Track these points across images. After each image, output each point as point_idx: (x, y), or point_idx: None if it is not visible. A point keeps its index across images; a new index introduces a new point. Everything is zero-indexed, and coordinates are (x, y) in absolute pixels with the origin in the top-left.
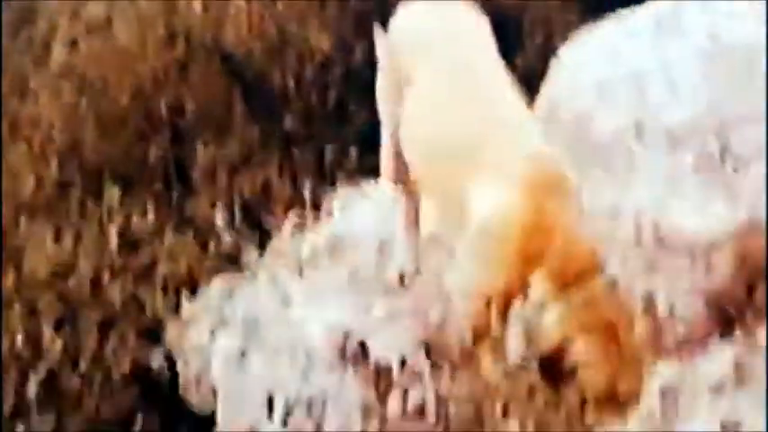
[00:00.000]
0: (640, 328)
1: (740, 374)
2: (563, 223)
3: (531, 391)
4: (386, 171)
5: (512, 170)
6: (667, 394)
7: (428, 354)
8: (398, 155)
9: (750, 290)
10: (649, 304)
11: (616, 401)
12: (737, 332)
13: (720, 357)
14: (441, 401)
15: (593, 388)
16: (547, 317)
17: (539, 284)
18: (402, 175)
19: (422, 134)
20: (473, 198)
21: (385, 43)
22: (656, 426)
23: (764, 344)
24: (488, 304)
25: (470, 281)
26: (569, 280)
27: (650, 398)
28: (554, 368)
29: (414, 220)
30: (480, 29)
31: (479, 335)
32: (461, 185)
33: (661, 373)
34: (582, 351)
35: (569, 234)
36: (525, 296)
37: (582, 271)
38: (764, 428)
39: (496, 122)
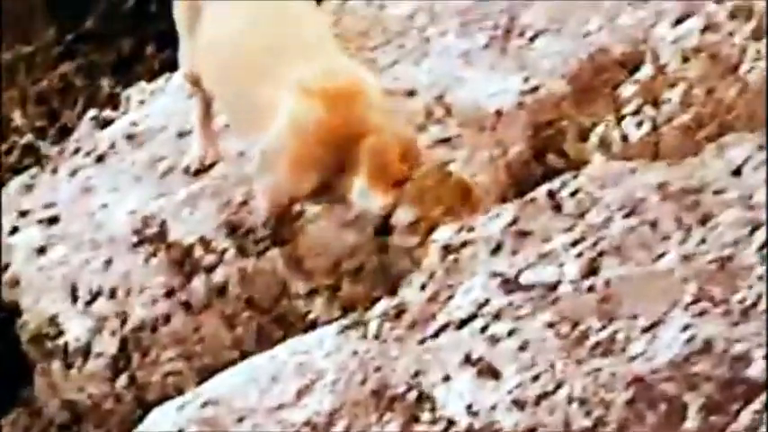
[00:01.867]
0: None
1: (519, 233)
2: (372, 127)
3: (336, 266)
4: (185, 67)
5: (310, 84)
6: (447, 253)
7: (231, 234)
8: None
9: (539, 156)
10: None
11: None
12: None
13: (500, 217)
14: (245, 280)
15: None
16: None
17: (361, 185)
18: (198, 76)
19: (220, 52)
20: (273, 109)
21: None
22: (439, 284)
23: (546, 201)
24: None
25: (269, 182)
26: (395, 176)
27: (431, 257)
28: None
29: (207, 113)
30: None
31: (281, 218)
32: (262, 100)
33: (441, 233)
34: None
35: (382, 135)
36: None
37: (404, 164)
38: (538, 280)
39: (295, 39)
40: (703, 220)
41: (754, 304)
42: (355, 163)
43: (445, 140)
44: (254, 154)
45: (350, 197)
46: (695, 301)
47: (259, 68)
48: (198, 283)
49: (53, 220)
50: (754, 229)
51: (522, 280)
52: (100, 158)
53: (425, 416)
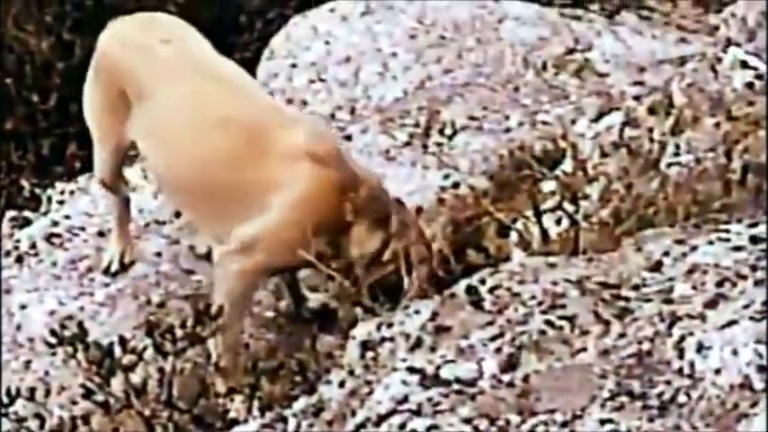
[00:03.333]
0: None
1: (438, 329)
2: (362, 177)
3: (255, 364)
4: (99, 173)
5: (318, 149)
6: (366, 350)
7: (150, 333)
8: (112, 158)
9: (459, 253)
10: None
11: None
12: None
13: (419, 313)
14: (164, 380)
15: None
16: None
17: (361, 232)
18: (114, 176)
19: (182, 148)
20: (267, 188)
21: (96, 57)
22: (358, 380)
23: (465, 297)
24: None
25: (252, 262)
26: (383, 215)
27: (350, 354)
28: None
29: (123, 213)
30: (192, 32)
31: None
32: (248, 183)
33: (360, 329)
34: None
35: (370, 182)
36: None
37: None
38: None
39: (261, 110)
40: (621, 315)
41: (673, 398)
42: (355, 213)
43: None
44: (234, 238)
45: (349, 248)
46: (614, 396)
47: (239, 150)
48: (117, 383)
49: None
50: (673, 323)
51: (441, 375)
52: (19, 259)
53: None
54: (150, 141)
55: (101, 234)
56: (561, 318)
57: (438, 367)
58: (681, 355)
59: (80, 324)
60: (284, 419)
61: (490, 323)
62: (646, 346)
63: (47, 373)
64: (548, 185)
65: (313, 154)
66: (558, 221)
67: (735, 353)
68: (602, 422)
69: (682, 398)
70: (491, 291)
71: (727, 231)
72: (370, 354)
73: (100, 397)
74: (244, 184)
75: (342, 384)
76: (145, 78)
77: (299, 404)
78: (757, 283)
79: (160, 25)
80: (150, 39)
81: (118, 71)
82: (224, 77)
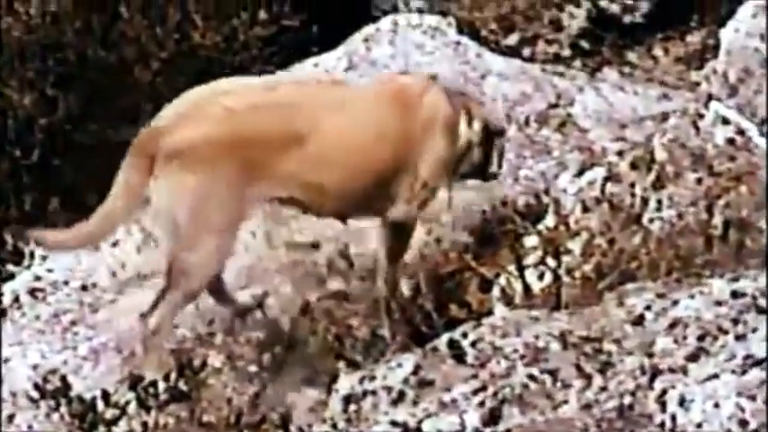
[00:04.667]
0: None
1: (420, 382)
2: None
3: (238, 418)
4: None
5: (432, 88)
6: (349, 403)
7: (133, 387)
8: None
9: (442, 308)
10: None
11: None
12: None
13: (401, 366)
14: None
15: None
16: None
17: None
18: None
19: (371, 144)
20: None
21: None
22: None
23: (447, 351)
24: None
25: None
26: None
27: (333, 407)
28: None
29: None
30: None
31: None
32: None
33: (343, 383)
34: None
35: None
36: None
37: None
38: (440, 429)
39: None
40: (603, 369)
41: None
42: None
43: (344, 296)
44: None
45: None
46: None
47: (399, 116)
48: None
49: None
50: (654, 376)
51: (424, 429)
52: (3, 313)
53: None
54: (314, 173)
55: (84, 288)
56: (543, 371)
57: (420, 421)
58: (663, 409)
59: (63, 378)
60: None
61: (473, 377)
62: (627, 399)
63: (30, 427)
64: (530, 240)
65: (436, 83)
66: (541, 276)
67: (716, 406)
68: None
69: None
70: (473, 344)
71: (709, 286)
72: (352, 407)
73: None
74: (413, 145)
75: None
76: (294, 127)
77: None
78: (738, 337)
79: (245, 86)
80: (263, 96)
81: (252, 143)
82: (323, 81)
